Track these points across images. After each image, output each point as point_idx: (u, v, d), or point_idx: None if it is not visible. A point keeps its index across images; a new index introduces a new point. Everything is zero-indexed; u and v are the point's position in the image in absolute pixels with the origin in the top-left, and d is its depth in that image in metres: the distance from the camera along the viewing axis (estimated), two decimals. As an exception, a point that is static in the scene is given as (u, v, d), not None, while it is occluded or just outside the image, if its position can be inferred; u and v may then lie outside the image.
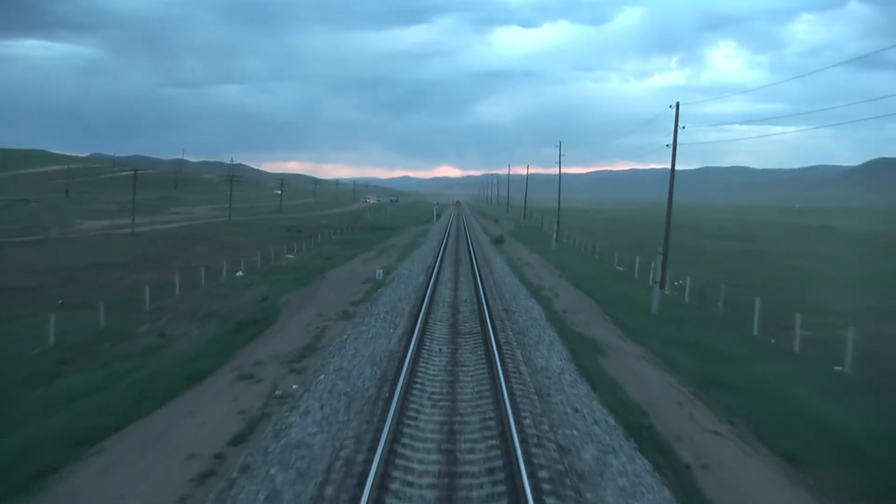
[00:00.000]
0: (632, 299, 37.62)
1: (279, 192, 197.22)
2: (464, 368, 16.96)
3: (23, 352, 25.42)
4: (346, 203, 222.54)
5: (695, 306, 38.40)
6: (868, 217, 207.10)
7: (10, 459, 14.71)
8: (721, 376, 21.63)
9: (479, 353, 18.34)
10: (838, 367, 24.21)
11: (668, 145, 45.08)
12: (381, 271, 37.18)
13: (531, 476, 10.20)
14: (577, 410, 14.38)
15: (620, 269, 55.17)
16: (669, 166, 45.77)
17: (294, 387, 16.00)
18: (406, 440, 11.91)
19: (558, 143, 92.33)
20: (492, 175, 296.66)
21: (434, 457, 11.29)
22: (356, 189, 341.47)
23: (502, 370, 15.82)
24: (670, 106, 45.05)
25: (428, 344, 19.22)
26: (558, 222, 74.37)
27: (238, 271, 48.45)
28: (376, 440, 11.40)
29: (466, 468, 10.87)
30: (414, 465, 10.89)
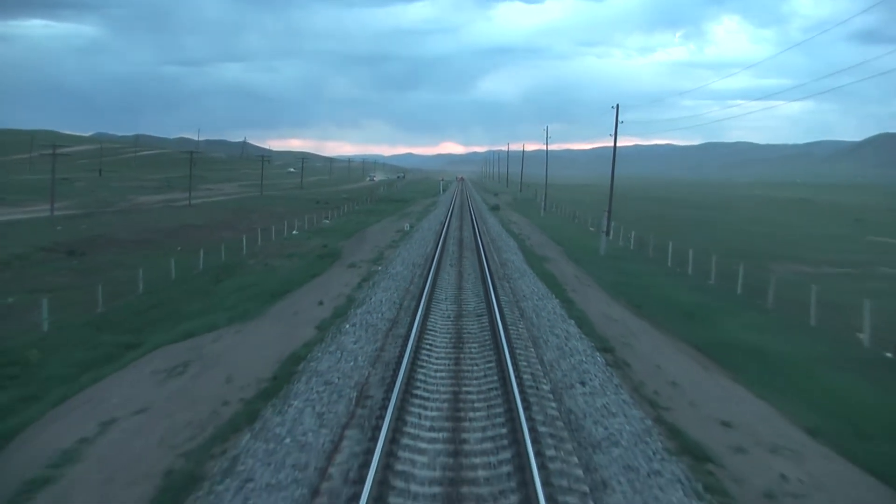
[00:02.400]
0: (588, 246, 52.94)
1: (292, 169, 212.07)
2: (465, 261, 32.61)
3: (188, 272, 40.83)
4: (357, 179, 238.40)
5: (634, 250, 53.76)
6: (866, 191, 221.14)
7: (236, 304, 30.06)
8: (622, 281, 36.91)
9: (475, 256, 34.01)
10: (710, 281, 39.41)
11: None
12: (408, 225, 52.85)
13: (490, 276, 25.78)
14: (523, 275, 30.01)
15: (592, 229, 70.50)
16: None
17: (378, 267, 31.65)
18: (443, 276, 27.67)
19: (546, 126, 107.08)
20: (495, 151, 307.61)
21: (454, 280, 26.95)
22: (364, 166, 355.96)
23: (486, 259, 31.50)
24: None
25: (445, 253, 34.86)
26: (546, 193, 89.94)
27: (293, 230, 63.98)
28: (426, 276, 27.08)
29: (467, 284, 26.50)
30: (444, 284, 26.53)
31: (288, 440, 11.40)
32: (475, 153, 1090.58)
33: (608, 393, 14.27)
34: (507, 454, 10.81)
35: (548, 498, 9.11)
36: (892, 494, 11.27)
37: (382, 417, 11.87)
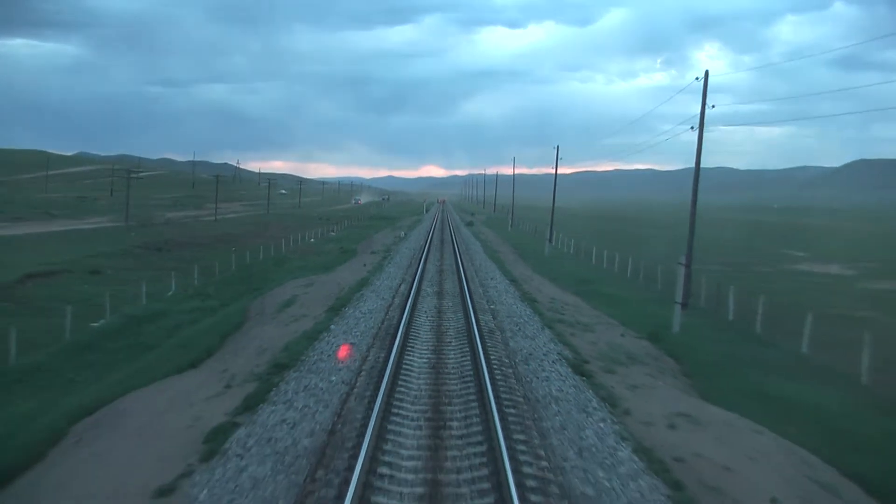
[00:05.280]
0: (537, 250, 72.58)
1: (284, 191, 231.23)
2: (444, 253, 52.34)
3: (253, 262, 59.99)
4: (345, 201, 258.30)
5: (571, 254, 73.48)
6: (833, 214, 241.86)
7: (308, 271, 49.38)
8: (548, 266, 56.46)
9: (451, 249, 53.70)
10: (614, 270, 59.29)
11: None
12: (402, 233, 72.39)
13: (461, 258, 45.44)
14: (482, 259, 49.72)
15: (550, 242, 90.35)
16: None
17: (389, 254, 51.28)
18: (432, 257, 47.27)
19: (514, 156, 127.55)
20: (477, 175, 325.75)
21: (439, 261, 46.71)
22: (350, 189, 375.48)
23: (459, 252, 51.23)
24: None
25: (431, 250, 54.55)
26: (512, 212, 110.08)
27: (311, 238, 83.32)
28: (421, 257, 46.73)
29: (446, 261, 46.20)
30: (433, 259, 46.19)
31: (373, 295, 30.84)
32: (456, 176, 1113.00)
33: (508, 291, 33.84)
34: (459, 298, 30.36)
35: (471, 304, 28.67)
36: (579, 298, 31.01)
37: (410, 290, 31.37)
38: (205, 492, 10.76)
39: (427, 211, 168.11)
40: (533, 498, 10.20)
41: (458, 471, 11.20)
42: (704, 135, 38.29)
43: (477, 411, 13.82)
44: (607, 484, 11.07)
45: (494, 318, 25.54)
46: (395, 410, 13.91)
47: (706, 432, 15.67)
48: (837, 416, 20.00)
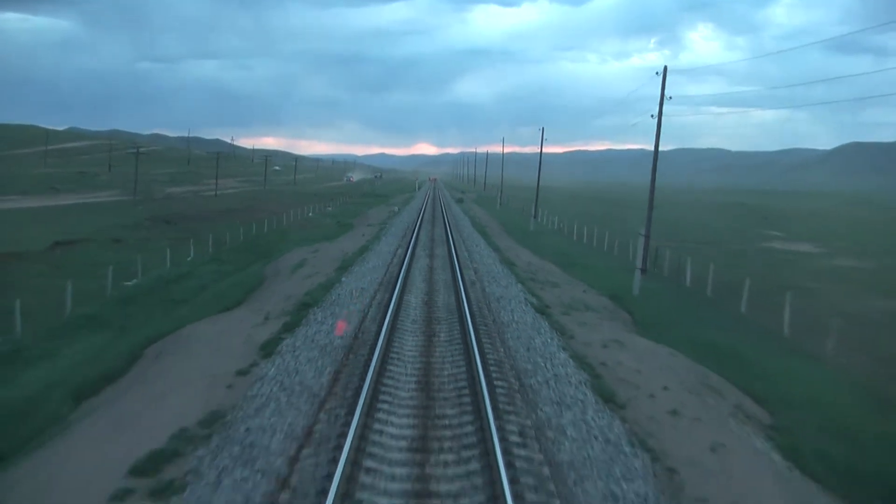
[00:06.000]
0: (522, 226, 77.90)
1: (277, 168, 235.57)
2: (435, 226, 57.67)
3: (259, 233, 65.11)
4: (338, 178, 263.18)
5: (555, 230, 78.87)
6: (820, 198, 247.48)
7: (312, 241, 54.65)
8: (531, 241, 61.76)
9: (442, 223, 59.05)
10: (593, 245, 64.73)
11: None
12: (396, 208, 77.60)
13: (450, 230, 50.82)
14: (470, 232, 55.12)
15: (535, 219, 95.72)
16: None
17: (384, 227, 56.61)
18: (423, 230, 52.65)
19: (503, 137, 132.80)
20: (468, 153, 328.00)
21: (430, 232, 52.08)
22: (344, 166, 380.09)
23: (449, 225, 56.54)
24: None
25: (423, 223, 59.88)
26: (501, 191, 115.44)
27: (309, 213, 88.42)
28: (414, 228, 52.06)
29: (437, 231, 51.58)
30: (425, 230, 51.56)
31: (374, 257, 36.14)
32: (448, 154, 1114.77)
33: (491, 256, 39.21)
34: (447, 260, 35.72)
35: (458, 263, 34.04)
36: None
37: (406, 252, 36.67)
38: (273, 369, 16.11)
39: (419, 188, 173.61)
40: (492, 369, 15.66)
41: (443, 357, 16.72)
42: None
43: (458, 327, 19.28)
44: (543, 364, 16.56)
45: (476, 274, 30.96)
46: (399, 325, 19.33)
47: (631, 352, 21.07)
48: (749, 355, 25.41)
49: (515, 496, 9.50)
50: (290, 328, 20.60)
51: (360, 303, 23.08)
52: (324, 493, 9.33)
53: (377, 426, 12.17)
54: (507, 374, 15.78)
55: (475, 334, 17.58)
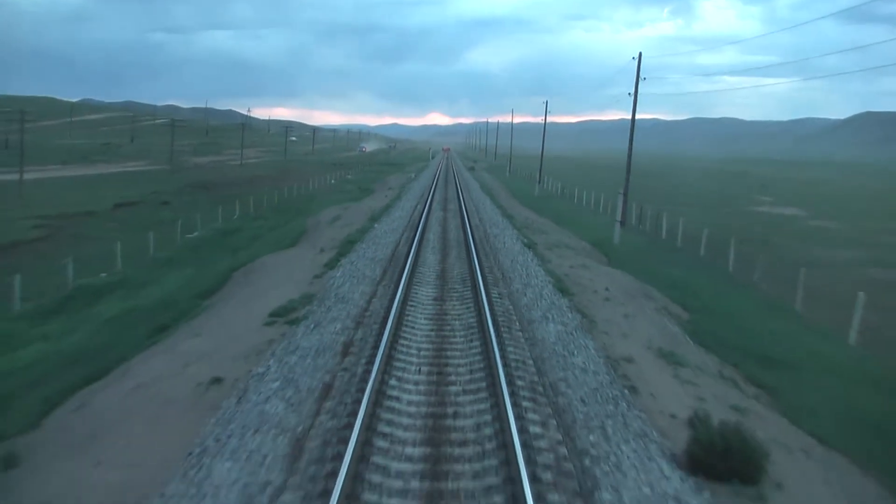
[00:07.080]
0: (528, 191, 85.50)
1: (294, 138, 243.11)
2: (448, 189, 65.49)
3: (291, 197, 72.96)
4: (352, 148, 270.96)
5: (559, 195, 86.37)
6: (829, 168, 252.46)
7: (340, 202, 62.57)
8: (536, 204, 69.39)
9: (454, 187, 66.86)
10: (590, 207, 72.31)
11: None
12: (412, 175, 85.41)
13: (461, 192, 58.62)
14: (480, 194, 62.93)
15: (540, 185, 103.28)
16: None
17: (403, 191, 64.47)
18: (437, 192, 60.54)
19: (512, 108, 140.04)
20: (481, 123, 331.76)
21: (443, 193, 60.00)
22: (358, 136, 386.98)
23: (460, 188, 64.36)
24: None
25: (437, 187, 67.67)
26: (511, 160, 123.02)
27: (331, 180, 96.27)
28: (430, 190, 59.94)
29: (450, 193, 59.45)
30: (439, 192, 59.46)
31: (398, 211, 44.06)
32: (461, 124, 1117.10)
33: (495, 211, 47.07)
34: (458, 213, 43.62)
35: (466, 214, 41.91)
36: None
37: (424, 207, 44.53)
38: (339, 272, 24.06)
39: (433, 158, 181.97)
40: (486, 269, 23.74)
41: (453, 265, 24.91)
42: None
43: (464, 248, 27.36)
44: (522, 271, 24.63)
45: (481, 221, 39.10)
46: (422, 249, 27.41)
47: (592, 272, 28.95)
48: (691, 282, 33.15)
49: (493, 318, 17.37)
50: (342, 255, 28.52)
51: (392, 238, 31.10)
52: (387, 314, 17.27)
53: (413, 291, 20.27)
54: (496, 272, 23.84)
55: (476, 253, 25.56)
